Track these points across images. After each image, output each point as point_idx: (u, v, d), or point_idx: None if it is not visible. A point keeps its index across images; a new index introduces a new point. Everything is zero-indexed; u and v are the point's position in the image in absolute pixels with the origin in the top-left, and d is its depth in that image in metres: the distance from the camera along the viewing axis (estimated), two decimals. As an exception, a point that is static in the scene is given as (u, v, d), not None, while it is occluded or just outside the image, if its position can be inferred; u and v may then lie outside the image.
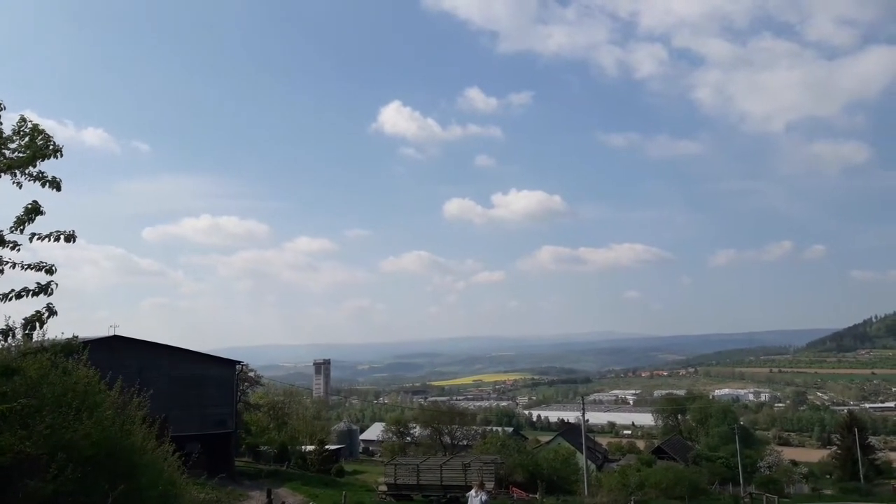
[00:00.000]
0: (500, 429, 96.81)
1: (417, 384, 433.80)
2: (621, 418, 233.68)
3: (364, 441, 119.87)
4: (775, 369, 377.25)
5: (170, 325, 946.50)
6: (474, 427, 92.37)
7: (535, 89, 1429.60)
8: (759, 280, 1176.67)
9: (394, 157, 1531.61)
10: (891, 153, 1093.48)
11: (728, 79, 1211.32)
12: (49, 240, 7.74)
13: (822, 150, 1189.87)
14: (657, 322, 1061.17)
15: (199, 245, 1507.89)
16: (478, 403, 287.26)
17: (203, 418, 41.48)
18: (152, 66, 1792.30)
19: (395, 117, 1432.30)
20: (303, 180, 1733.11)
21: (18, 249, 7.61)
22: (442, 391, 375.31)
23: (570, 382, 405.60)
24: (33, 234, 7.66)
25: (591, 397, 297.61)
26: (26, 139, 7.94)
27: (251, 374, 67.66)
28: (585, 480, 49.63)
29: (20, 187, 7.91)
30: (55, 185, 7.96)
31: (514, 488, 43.59)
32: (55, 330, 9.19)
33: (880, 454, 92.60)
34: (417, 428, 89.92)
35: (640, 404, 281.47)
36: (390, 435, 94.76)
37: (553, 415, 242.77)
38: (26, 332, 7.78)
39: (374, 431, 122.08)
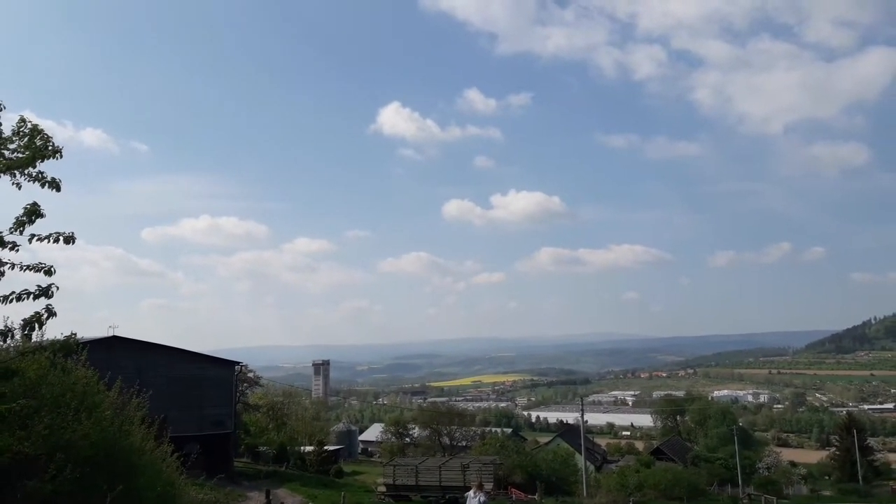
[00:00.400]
0: (499, 430, 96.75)
1: (416, 385, 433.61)
2: (620, 419, 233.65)
3: (363, 442, 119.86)
4: (774, 370, 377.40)
5: (169, 326, 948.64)
6: (473, 428, 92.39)
7: (534, 90, 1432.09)
8: (759, 281, 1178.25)
9: (393, 157, 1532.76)
10: (890, 155, 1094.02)
11: (727, 80, 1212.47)
12: (49, 241, 7.75)
13: (820, 151, 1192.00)
14: (656, 323, 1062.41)
15: (198, 246, 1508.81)
16: (477, 404, 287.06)
17: (202, 419, 41.45)
18: (151, 67, 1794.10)
19: (395, 118, 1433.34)
20: (302, 181, 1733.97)
21: (17, 250, 7.62)
22: (441, 392, 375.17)
23: (570, 383, 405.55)
24: (33, 236, 7.67)
25: (590, 398, 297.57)
26: (26, 140, 7.97)
27: (250, 374, 67.58)
28: (584, 481, 49.64)
29: (20, 188, 7.93)
30: (55, 185, 7.98)
31: (513, 489, 43.60)
32: (54, 331, 9.20)
33: (879, 455, 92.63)
34: (416, 429, 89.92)
35: (639, 405, 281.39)
36: (389, 436, 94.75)
37: (552, 416, 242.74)
38: (25, 333, 7.79)
39: (374, 432, 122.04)
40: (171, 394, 36.53)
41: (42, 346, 9.42)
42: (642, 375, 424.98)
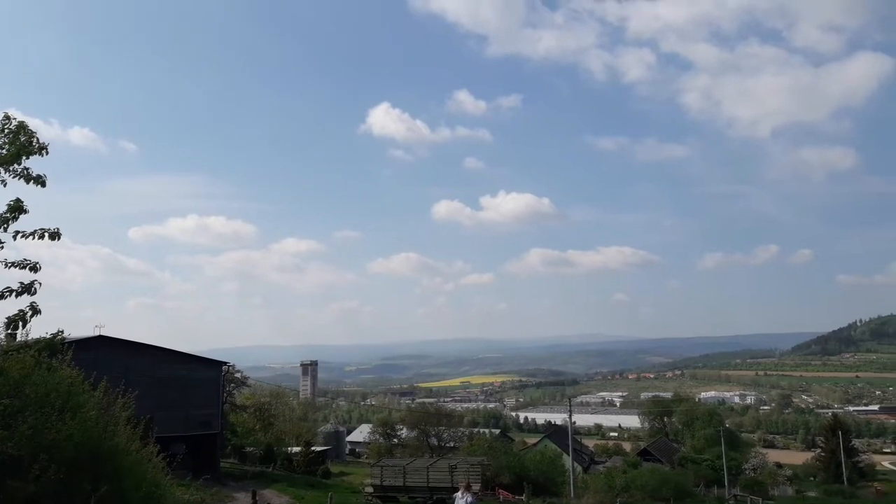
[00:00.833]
0: (487, 430, 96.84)
1: (405, 386, 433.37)
2: (608, 420, 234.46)
3: (351, 442, 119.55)
4: (761, 372, 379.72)
5: (156, 326, 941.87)
6: (461, 429, 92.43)
7: (523, 92, 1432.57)
8: (746, 283, 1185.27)
9: (383, 158, 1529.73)
10: (877, 159, 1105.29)
11: (716, 84, 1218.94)
12: (34, 238, 7.68)
13: (808, 155, 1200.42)
14: (644, 324, 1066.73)
15: (185, 245, 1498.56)
16: (465, 405, 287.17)
17: (188, 419, 41.22)
18: (139, 66, 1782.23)
19: (384, 119, 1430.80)
20: (291, 181, 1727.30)
21: (2, 247, 7.55)
22: (429, 393, 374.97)
23: (558, 384, 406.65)
24: (17, 232, 7.60)
25: (578, 399, 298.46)
26: (10, 136, 7.89)
27: (237, 374, 67.29)
28: (572, 482, 49.74)
29: (4, 185, 7.86)
30: (40, 181, 7.92)
31: (500, 490, 43.64)
32: (39, 329, 9.11)
33: (863, 457, 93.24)
34: (404, 429, 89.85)
35: (627, 406, 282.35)
36: (377, 436, 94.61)
37: (540, 417, 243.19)
38: (9, 331, 7.71)
39: (361, 433, 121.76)
40: (157, 394, 36.28)
41: (27, 345, 9.32)
42: (630, 377, 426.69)
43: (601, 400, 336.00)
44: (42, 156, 7.99)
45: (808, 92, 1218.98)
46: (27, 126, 7.98)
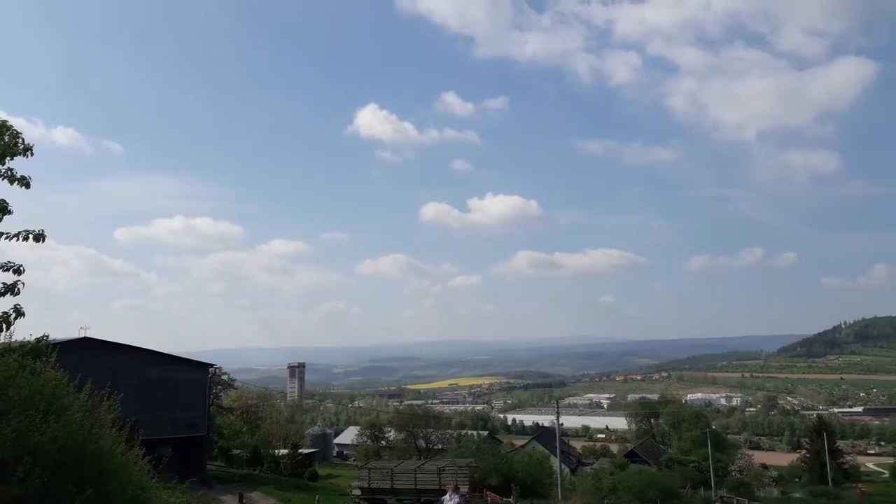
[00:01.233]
0: (475, 432, 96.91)
1: (393, 388, 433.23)
2: (595, 422, 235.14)
3: (338, 445, 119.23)
4: (747, 374, 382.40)
5: (142, 327, 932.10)
6: (449, 431, 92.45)
7: (511, 95, 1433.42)
8: (732, 286, 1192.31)
9: (370, 159, 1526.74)
10: (860, 162, 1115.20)
11: (701, 87, 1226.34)
12: (17, 239, 7.63)
13: (793, 158, 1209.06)
14: (631, 327, 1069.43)
15: (172, 246, 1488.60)
16: (453, 407, 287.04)
17: (175, 422, 40.99)
18: (125, 66, 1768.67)
19: (372, 120, 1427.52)
20: (278, 182, 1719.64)
21: (-15, 249, 7.49)
22: (417, 395, 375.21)
23: (546, 386, 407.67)
24: (0, 234, 7.54)
25: (566, 401, 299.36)
26: (-6, 136, 7.82)
27: (224, 377, 66.93)
28: (559, 484, 49.84)
29: (-12, 186, 7.79)
30: (24, 182, 7.85)
31: (488, 492, 43.61)
32: (23, 331, 9.03)
33: (848, 458, 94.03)
34: (392, 431, 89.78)
35: (614, 408, 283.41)
36: (365, 439, 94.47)
37: (528, 418, 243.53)
38: (-8, 333, 7.64)
39: (349, 435, 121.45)
40: (143, 396, 36.08)
41: (10, 348, 9.24)
42: (617, 378, 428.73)
43: (588, 402, 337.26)
44: (27, 157, 7.93)
45: (792, 96, 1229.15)
46: (12, 126, 7.92)
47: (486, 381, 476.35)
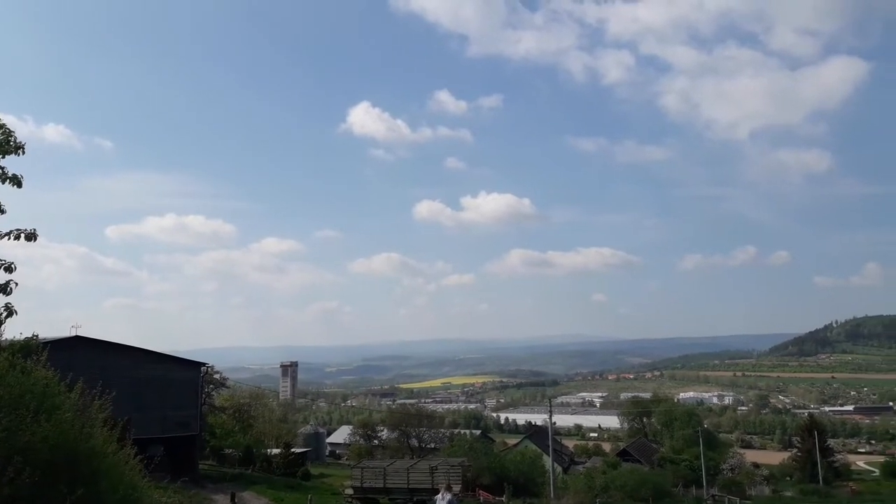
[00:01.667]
0: (467, 431, 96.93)
1: (386, 387, 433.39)
2: (588, 421, 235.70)
3: (331, 444, 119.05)
4: (739, 373, 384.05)
5: (134, 326, 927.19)
6: (442, 430, 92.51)
7: (504, 93, 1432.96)
8: (725, 285, 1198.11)
9: (363, 157, 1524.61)
10: (852, 161, 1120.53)
11: (694, 86, 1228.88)
12: (9, 238, 7.59)
13: (786, 157, 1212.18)
14: (624, 325, 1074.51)
15: (164, 244, 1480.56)
16: (446, 406, 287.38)
17: (166, 421, 40.86)
18: (116, 63, 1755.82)
19: (365, 118, 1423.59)
20: (271, 180, 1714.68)
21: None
22: (410, 394, 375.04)
23: (538, 385, 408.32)
24: (-8, 233, 7.50)
25: (559, 400, 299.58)
26: (-15, 135, 7.79)
27: (216, 375, 66.84)
28: (552, 483, 49.93)
29: (-22, 184, 7.75)
30: (16, 181, 7.82)
31: (480, 491, 43.68)
32: (14, 330, 8.99)
33: (839, 457, 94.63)
34: (385, 431, 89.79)
35: (607, 407, 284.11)
36: (357, 438, 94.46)
37: (521, 417, 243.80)
38: (-17, 332, 7.61)
39: (342, 434, 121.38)
40: (135, 395, 35.93)
41: (1, 347, 9.20)
42: (610, 377, 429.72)
43: (581, 400, 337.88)
44: (18, 155, 7.90)
45: (784, 95, 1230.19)
46: (4, 124, 7.88)
47: (479, 379, 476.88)
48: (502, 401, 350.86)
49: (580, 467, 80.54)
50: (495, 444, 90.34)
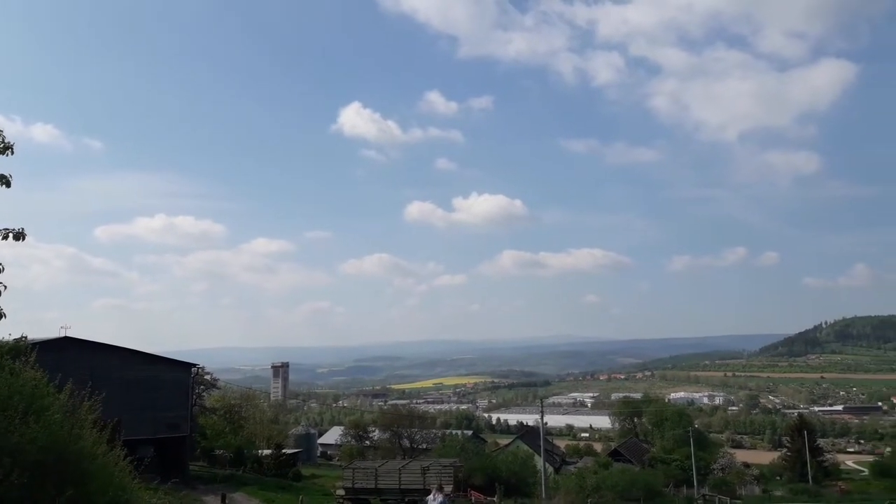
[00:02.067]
0: (459, 432, 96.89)
1: (377, 387, 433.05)
2: (579, 421, 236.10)
3: (322, 445, 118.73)
4: (729, 373, 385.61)
5: (124, 327, 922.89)
6: (434, 430, 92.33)
7: (495, 94, 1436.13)
8: (715, 285, 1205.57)
9: (354, 158, 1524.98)
10: (840, 163, 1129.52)
11: (683, 88, 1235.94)
12: (-3, 238, 7.55)
13: (774, 159, 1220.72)
14: (615, 326, 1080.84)
15: (153, 245, 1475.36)
16: (438, 407, 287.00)
17: (157, 422, 40.72)
18: (105, 62, 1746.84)
19: (356, 119, 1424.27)
20: (261, 180, 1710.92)
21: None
22: (402, 394, 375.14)
23: (530, 385, 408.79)
24: (-20, 233, 7.45)
25: (550, 400, 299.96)
26: (-27, 134, 7.74)
27: (207, 376, 66.52)
28: (543, 483, 50.03)
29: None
30: (4, 181, 7.78)
31: (472, 491, 43.71)
32: (2, 331, 8.94)
33: (828, 456, 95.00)
34: (376, 431, 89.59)
35: (598, 407, 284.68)
36: (349, 438, 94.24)
37: (512, 418, 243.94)
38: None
39: (333, 435, 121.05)
40: (124, 396, 35.79)
41: (-11, 348, 9.14)
42: (601, 377, 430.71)
43: (573, 401, 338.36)
44: (7, 155, 7.85)
45: (773, 97, 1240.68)
46: (-9, 124, 7.83)
47: (471, 380, 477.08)
48: (494, 401, 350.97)
49: (571, 467, 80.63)
50: (487, 444, 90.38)
